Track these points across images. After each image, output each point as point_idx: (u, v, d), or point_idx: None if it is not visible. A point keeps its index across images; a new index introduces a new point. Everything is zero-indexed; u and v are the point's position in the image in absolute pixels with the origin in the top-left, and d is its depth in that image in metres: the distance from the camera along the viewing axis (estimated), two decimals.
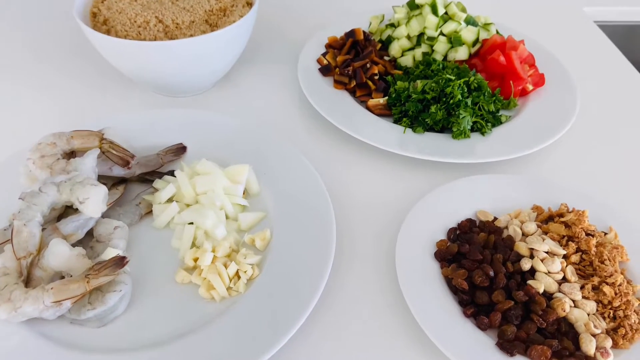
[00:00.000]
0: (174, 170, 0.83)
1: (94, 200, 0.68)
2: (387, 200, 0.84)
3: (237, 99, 1.04)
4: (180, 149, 0.86)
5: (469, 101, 0.91)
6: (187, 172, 0.79)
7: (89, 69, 1.10)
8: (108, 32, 0.93)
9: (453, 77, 0.92)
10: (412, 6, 1.11)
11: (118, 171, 0.79)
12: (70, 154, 0.78)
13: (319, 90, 1.00)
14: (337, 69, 1.04)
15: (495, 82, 1.01)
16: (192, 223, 0.73)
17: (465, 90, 0.92)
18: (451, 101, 0.91)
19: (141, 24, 0.91)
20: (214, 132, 0.89)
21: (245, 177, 0.79)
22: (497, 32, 1.12)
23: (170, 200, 0.78)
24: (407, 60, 1.06)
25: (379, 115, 0.97)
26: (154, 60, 0.88)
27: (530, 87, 1.01)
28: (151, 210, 0.77)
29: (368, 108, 0.98)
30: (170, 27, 0.91)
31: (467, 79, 0.93)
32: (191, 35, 0.91)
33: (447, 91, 0.91)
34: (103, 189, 0.70)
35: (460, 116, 0.90)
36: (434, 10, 1.05)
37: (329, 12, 1.34)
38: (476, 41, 1.04)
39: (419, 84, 0.94)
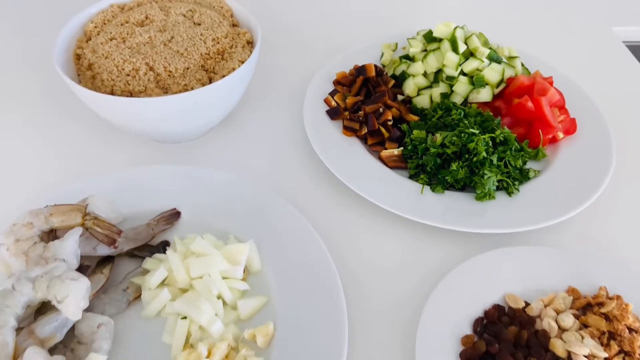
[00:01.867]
0: (167, 242, 0.75)
1: (73, 299, 0.60)
2: (404, 275, 0.75)
3: (237, 144, 0.94)
4: (174, 216, 0.78)
5: (494, 158, 0.82)
6: (181, 250, 0.71)
7: (72, 115, 0.99)
8: (93, 79, 0.84)
9: (477, 132, 0.82)
10: (429, 39, 1.01)
11: (103, 250, 0.70)
12: (50, 232, 0.70)
13: (327, 136, 0.91)
14: (347, 112, 0.95)
15: (521, 129, 0.92)
16: (185, 317, 0.65)
17: (490, 145, 0.83)
18: (474, 158, 0.81)
19: (130, 72, 0.81)
20: (211, 191, 0.80)
21: (246, 257, 0.70)
22: (523, 65, 1.02)
23: (162, 284, 0.69)
24: (423, 101, 0.97)
25: (393, 168, 0.88)
26: (145, 116, 0.79)
27: (561, 136, 0.91)
28: (140, 295, 0.69)
29: (381, 159, 0.89)
30: (162, 75, 0.82)
31: (493, 134, 0.83)
32: (185, 86, 0.81)
33: (470, 147, 0.82)
34: (84, 284, 0.62)
35: (485, 176, 0.80)
36: (454, 47, 0.95)
37: (338, 38, 1.24)
38: (500, 81, 0.94)
39: (438, 137, 0.85)
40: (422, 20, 1.34)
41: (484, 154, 0.81)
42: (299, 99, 1.02)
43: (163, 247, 0.74)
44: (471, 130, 0.82)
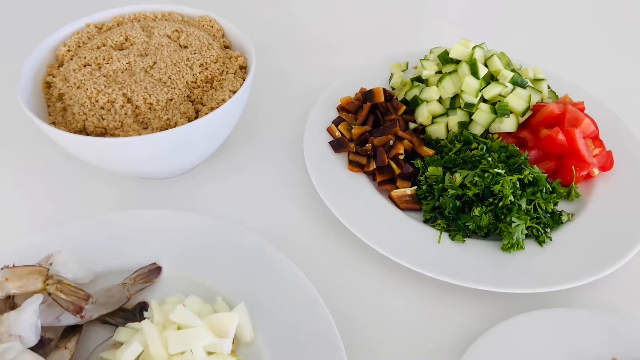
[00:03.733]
0: (144, 305, 0.65)
1: None
2: (418, 345, 0.64)
3: (229, 180, 0.84)
4: (153, 272, 0.67)
5: (522, 202, 0.71)
6: (159, 320, 0.60)
7: (40, 152, 0.87)
8: (64, 111, 0.74)
9: (502, 172, 0.72)
10: (445, 60, 0.90)
11: (68, 320, 0.60)
12: (7, 300, 0.60)
13: (330, 172, 0.80)
14: (353, 144, 0.84)
15: (550, 163, 0.81)
16: None
17: (518, 187, 0.72)
18: (500, 203, 0.71)
19: (104, 104, 0.71)
20: (198, 241, 0.70)
21: (235, 327, 0.60)
22: (549, 88, 0.92)
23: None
24: (438, 131, 0.86)
25: (405, 209, 0.77)
26: (120, 157, 0.69)
27: (597, 172, 0.80)
28: None
29: (391, 199, 0.78)
30: (142, 108, 0.72)
31: (521, 176, 0.72)
32: (168, 120, 0.71)
33: (494, 189, 0.71)
34: None
35: (513, 224, 0.70)
36: (474, 70, 0.84)
37: (340, 55, 1.13)
38: (527, 109, 0.84)
39: (458, 177, 0.74)
40: (430, 32, 1.24)
41: (511, 197, 0.70)
42: (299, 128, 0.91)
43: (140, 310, 0.64)
44: (496, 170, 0.72)
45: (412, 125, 0.88)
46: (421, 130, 0.88)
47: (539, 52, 1.13)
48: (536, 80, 0.90)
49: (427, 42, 1.09)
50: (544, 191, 0.73)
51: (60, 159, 0.85)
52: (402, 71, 0.99)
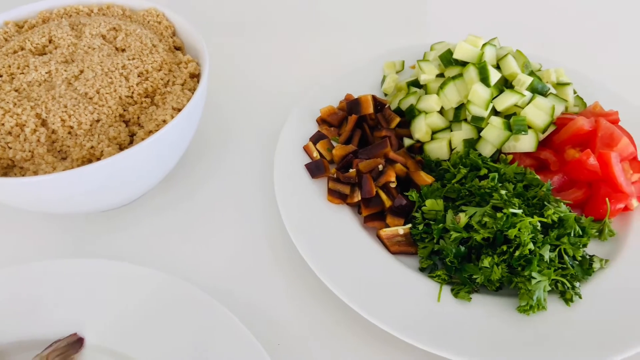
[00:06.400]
0: None
1: None
2: None
3: (178, 215, 0.69)
4: (73, 345, 0.53)
5: (545, 252, 0.56)
6: None
7: None
8: None
9: (519, 212, 0.56)
10: (448, 61, 0.74)
11: None
12: None
13: (305, 202, 0.65)
14: (334, 170, 0.69)
15: (579, 192, 0.65)
16: None
17: (540, 230, 0.57)
18: (517, 252, 0.55)
19: (12, 128, 0.56)
20: (132, 303, 0.55)
21: None
22: (575, 93, 0.75)
23: None
24: (439, 150, 0.70)
25: (395, 253, 0.62)
26: (30, 198, 0.54)
27: (636, 204, 0.64)
28: None
29: (380, 238, 0.63)
30: (59, 132, 0.56)
31: (544, 219, 0.57)
32: (91, 149, 0.56)
33: (509, 234, 0.56)
34: None
35: (533, 281, 0.54)
36: (483, 76, 0.68)
37: (324, 54, 0.96)
38: (549, 124, 0.68)
39: (463, 216, 0.59)
40: (433, 24, 1.07)
41: (531, 246, 0.55)
42: (270, 147, 0.75)
43: None
44: (511, 210, 0.56)
45: (407, 142, 0.72)
46: (418, 148, 0.72)
47: (562, 47, 0.96)
48: (559, 85, 0.74)
49: (428, 35, 0.92)
50: (571, 234, 0.58)
51: None
52: (397, 72, 0.83)
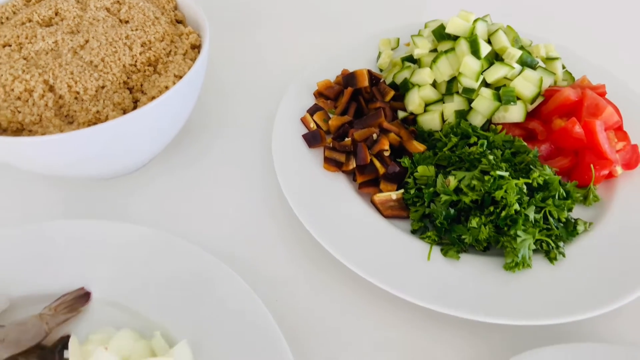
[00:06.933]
0: (66, 341, 0.53)
1: None
2: None
3: (181, 181, 0.71)
4: (80, 299, 0.56)
5: (530, 213, 0.58)
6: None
7: None
8: None
9: (506, 175, 0.59)
10: (441, 36, 0.76)
11: None
12: None
13: (302, 171, 0.68)
14: (330, 139, 0.71)
15: (564, 160, 0.68)
16: None
17: (525, 193, 0.59)
18: (503, 213, 0.58)
19: (21, 94, 0.58)
20: (136, 260, 0.58)
21: None
22: (564, 68, 0.78)
23: None
24: (432, 121, 0.73)
25: (389, 217, 0.65)
26: (39, 159, 0.57)
27: (620, 171, 0.67)
28: None
29: (373, 203, 0.66)
30: (66, 98, 0.59)
31: (529, 180, 0.59)
32: (97, 113, 0.58)
33: (496, 195, 0.58)
34: None
35: (518, 239, 0.57)
36: (474, 48, 0.70)
37: (320, 31, 0.98)
38: (537, 95, 0.70)
39: (452, 180, 0.61)
40: (429, 7, 1.09)
41: (517, 206, 0.58)
42: (269, 119, 0.78)
43: (61, 349, 0.53)
44: (498, 172, 0.59)
45: (401, 115, 0.75)
46: (412, 120, 0.75)
47: (552, 25, 0.99)
48: (549, 60, 0.76)
49: (424, 16, 0.94)
50: (556, 197, 0.61)
51: None
52: (392, 49, 0.86)
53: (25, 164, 0.59)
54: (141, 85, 0.62)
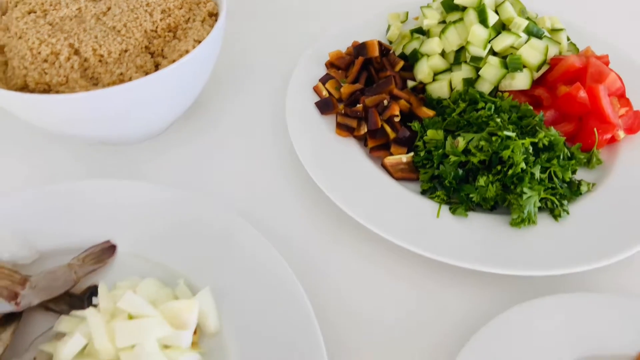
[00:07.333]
0: (95, 289, 0.56)
1: None
2: (412, 335, 0.56)
3: (199, 146, 0.74)
4: (107, 251, 0.59)
5: (536, 171, 0.61)
6: (106, 308, 0.52)
7: None
8: (5, 66, 0.64)
9: (513, 135, 0.61)
10: (449, 7, 0.78)
11: (3, 307, 0.52)
12: None
13: (315, 136, 0.71)
14: (342, 105, 0.74)
15: (569, 125, 0.70)
16: None
17: (531, 153, 0.62)
18: (510, 171, 0.60)
19: (47, 56, 0.61)
20: (159, 216, 0.61)
21: (195, 317, 0.52)
22: (569, 40, 0.80)
23: (81, 353, 0.51)
24: (440, 89, 0.75)
25: (400, 179, 0.68)
26: (66, 118, 0.59)
27: (622, 135, 0.69)
28: None
29: (384, 167, 0.68)
30: (91, 60, 0.61)
31: (535, 140, 0.62)
32: (121, 75, 0.61)
33: (503, 155, 0.61)
34: None
35: (524, 196, 0.60)
36: (482, 18, 0.72)
37: (333, 6, 1.00)
38: (542, 63, 0.72)
39: (461, 140, 0.64)
40: None
41: (523, 165, 0.60)
42: (282, 87, 0.80)
43: (90, 295, 0.56)
44: (505, 133, 0.61)
45: (410, 84, 0.77)
46: (421, 89, 0.77)
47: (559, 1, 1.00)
48: (554, 31, 0.78)
49: None
50: (561, 157, 0.63)
51: (5, 122, 0.76)
52: (401, 22, 0.88)
53: (53, 124, 0.61)
54: (162, 50, 0.65)
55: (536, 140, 0.61)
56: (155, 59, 0.64)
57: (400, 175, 0.68)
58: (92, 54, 0.61)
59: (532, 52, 0.72)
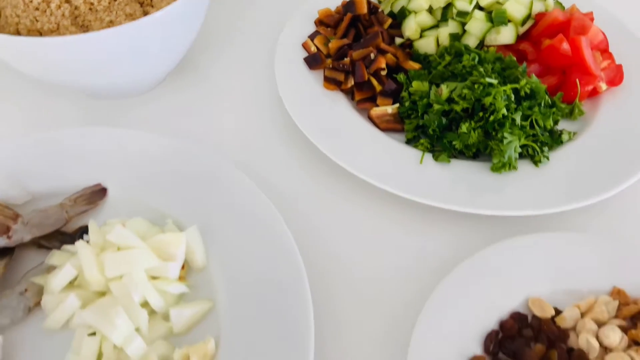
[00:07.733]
0: (86, 229, 0.58)
1: None
2: (394, 274, 0.57)
3: (189, 98, 0.76)
4: (97, 193, 0.60)
5: (517, 117, 0.62)
6: (96, 241, 0.53)
7: None
8: None
9: (495, 82, 0.63)
10: None
11: None
12: None
13: (303, 90, 0.72)
14: (330, 60, 0.75)
15: (553, 78, 0.72)
16: (95, 333, 0.48)
17: (513, 100, 0.63)
18: (491, 117, 0.62)
19: (39, 4, 0.62)
20: (148, 161, 0.63)
21: (183, 250, 0.53)
22: None
23: (71, 285, 0.53)
24: (427, 45, 0.76)
25: (385, 130, 0.69)
26: (56, 62, 0.61)
27: (604, 87, 0.71)
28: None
29: (370, 118, 0.70)
30: (81, 8, 0.63)
31: (517, 85, 0.63)
32: (110, 23, 0.62)
33: (485, 102, 0.62)
34: None
35: (505, 141, 0.61)
36: None
37: None
38: (527, 17, 0.73)
39: (444, 89, 0.65)
40: None
41: (504, 111, 0.61)
42: (273, 44, 0.81)
43: (81, 234, 0.57)
44: (488, 80, 0.63)
45: (398, 41, 0.78)
46: (408, 45, 0.78)
47: None
48: None
49: None
50: (542, 105, 0.64)
51: (4, 75, 0.77)
52: None
53: (43, 71, 0.63)
54: (151, 0, 0.66)
55: (518, 86, 0.63)
56: (144, 8, 0.65)
57: (385, 126, 0.69)
58: (82, 2, 0.62)
59: (517, 7, 0.73)
